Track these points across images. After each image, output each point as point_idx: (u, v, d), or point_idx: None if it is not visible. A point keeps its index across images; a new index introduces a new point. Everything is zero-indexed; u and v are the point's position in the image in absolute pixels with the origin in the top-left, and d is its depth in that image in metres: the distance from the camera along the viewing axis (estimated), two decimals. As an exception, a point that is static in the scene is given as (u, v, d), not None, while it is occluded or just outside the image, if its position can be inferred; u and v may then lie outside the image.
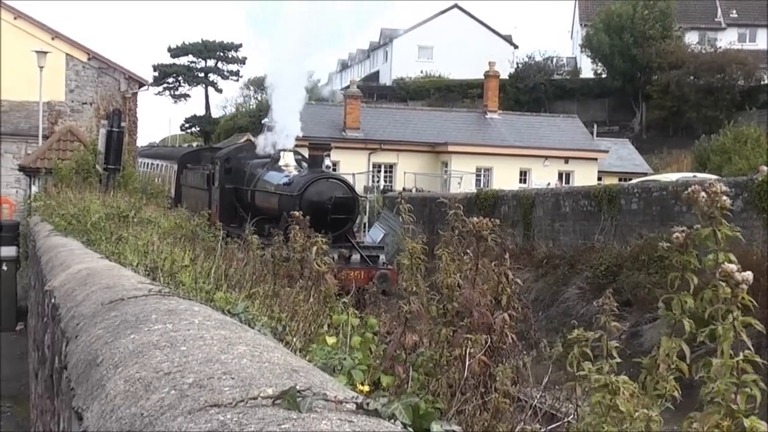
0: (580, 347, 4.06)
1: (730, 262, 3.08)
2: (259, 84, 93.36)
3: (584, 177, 48.98)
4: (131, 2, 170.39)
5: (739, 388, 2.93)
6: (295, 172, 22.35)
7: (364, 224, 35.09)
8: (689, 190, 3.22)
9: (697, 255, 3.34)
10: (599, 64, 73.10)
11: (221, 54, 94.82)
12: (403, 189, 45.13)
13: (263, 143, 25.32)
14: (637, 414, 3.27)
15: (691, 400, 3.42)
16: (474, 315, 5.41)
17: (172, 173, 34.01)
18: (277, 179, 22.36)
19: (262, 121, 27.43)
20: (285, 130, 24.56)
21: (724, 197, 3.18)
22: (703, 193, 3.18)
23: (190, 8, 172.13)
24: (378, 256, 20.73)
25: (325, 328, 5.72)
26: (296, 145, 24.90)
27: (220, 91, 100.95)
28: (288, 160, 23.30)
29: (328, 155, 23.62)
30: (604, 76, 73.55)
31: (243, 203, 24.06)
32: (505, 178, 47.52)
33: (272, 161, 23.64)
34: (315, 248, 7.49)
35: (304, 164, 23.21)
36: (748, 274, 2.99)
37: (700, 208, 3.18)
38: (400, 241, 7.04)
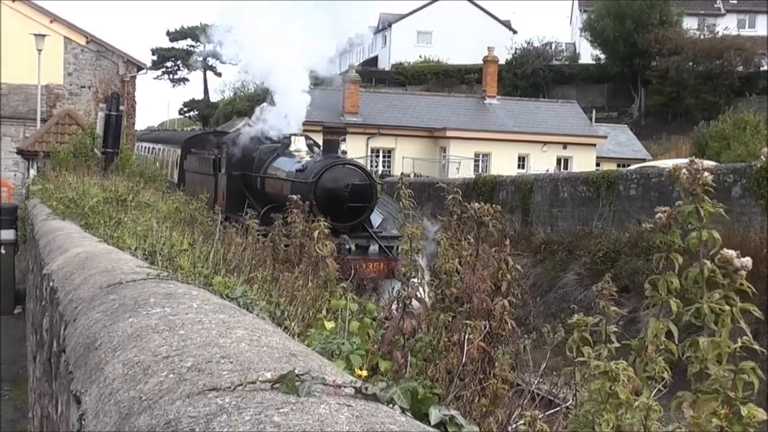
0: (580, 332, 4.06)
1: (714, 238, 3.08)
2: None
3: (583, 163, 49.02)
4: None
5: (737, 375, 2.93)
6: (307, 158, 21.31)
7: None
8: (670, 167, 3.22)
9: (682, 234, 3.34)
10: (600, 49, 73.01)
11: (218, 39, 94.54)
12: (402, 174, 45.09)
13: (264, 127, 24.32)
14: (637, 403, 3.27)
15: (682, 381, 3.43)
16: (473, 301, 5.41)
17: (175, 158, 33.08)
18: (289, 165, 21.32)
19: (262, 105, 26.54)
20: (291, 114, 23.70)
21: (706, 173, 3.17)
22: (684, 170, 3.18)
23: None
24: (398, 247, 19.78)
25: (324, 312, 5.72)
26: (304, 130, 23.96)
27: (219, 75, 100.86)
28: (299, 145, 22.34)
29: (344, 140, 22.69)
30: (603, 61, 73.48)
31: (252, 190, 23.07)
32: (503, 164, 47.53)
33: (283, 146, 22.62)
34: (317, 232, 7.46)
35: (316, 149, 22.34)
36: (747, 260, 2.98)
37: (682, 185, 3.18)
38: (400, 226, 7.02)
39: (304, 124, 24.42)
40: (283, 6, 24.51)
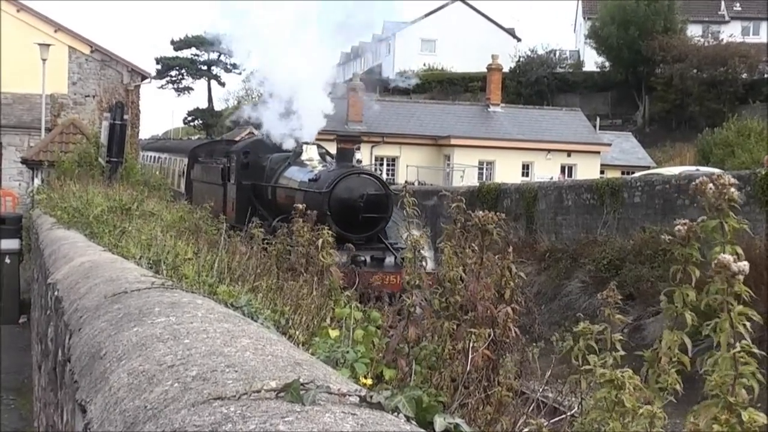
0: (586, 340, 4.06)
1: (737, 255, 3.07)
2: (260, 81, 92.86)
3: (587, 170, 48.99)
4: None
5: (737, 379, 2.92)
6: (320, 167, 20.60)
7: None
8: (697, 181, 3.21)
9: (700, 248, 3.34)
10: (604, 56, 73.05)
11: (224, 46, 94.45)
12: (406, 182, 44.90)
13: (275, 135, 23.54)
14: (641, 410, 3.27)
15: (693, 393, 3.43)
16: (478, 308, 5.42)
17: (182, 167, 32.44)
18: (302, 175, 20.59)
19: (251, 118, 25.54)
20: (306, 121, 22.80)
21: (732, 189, 3.16)
22: (711, 185, 3.17)
23: (194, 1, 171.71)
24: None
25: (328, 321, 5.73)
26: (316, 139, 23.07)
27: (223, 84, 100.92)
28: (311, 153, 21.64)
29: (359, 148, 21.92)
30: (607, 69, 73.52)
31: (262, 201, 22.30)
32: (507, 172, 47.50)
33: (294, 155, 21.88)
34: (321, 241, 7.48)
35: (329, 158, 21.65)
36: (744, 264, 2.98)
37: (708, 199, 3.17)
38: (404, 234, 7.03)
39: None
40: (294, 10, 23.97)
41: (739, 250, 3.09)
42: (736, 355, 2.93)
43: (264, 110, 24.67)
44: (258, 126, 24.77)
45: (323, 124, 23.58)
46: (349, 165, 19.73)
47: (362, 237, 18.24)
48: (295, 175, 21.08)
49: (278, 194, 21.66)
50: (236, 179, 23.23)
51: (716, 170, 30.05)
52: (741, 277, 2.98)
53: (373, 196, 18.62)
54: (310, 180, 19.87)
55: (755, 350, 2.96)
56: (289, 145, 22.73)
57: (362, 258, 16.81)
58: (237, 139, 38.74)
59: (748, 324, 2.99)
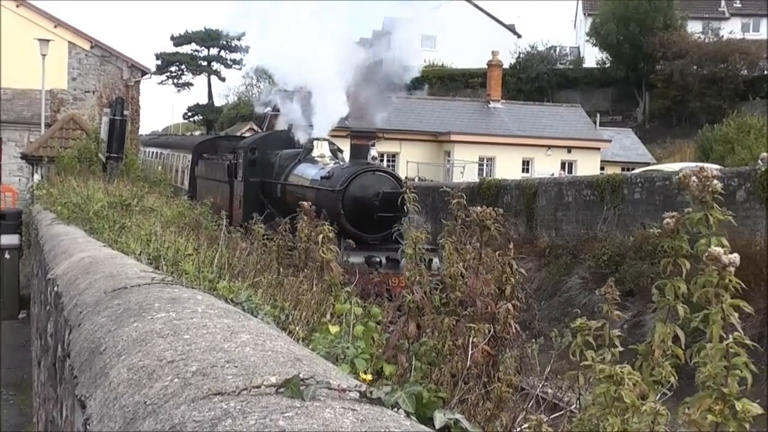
0: (583, 336, 4.06)
1: (723, 246, 3.08)
2: (262, 72, 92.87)
3: (587, 166, 48.95)
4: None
5: (730, 370, 2.93)
6: (331, 164, 20.04)
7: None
8: (680, 174, 3.23)
9: (690, 240, 3.35)
10: (605, 53, 73.05)
11: (224, 42, 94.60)
12: (406, 178, 44.88)
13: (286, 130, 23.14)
14: (644, 407, 3.27)
15: (689, 386, 3.43)
16: (477, 304, 5.42)
17: (186, 164, 32.08)
18: (313, 172, 19.94)
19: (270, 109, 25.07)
20: (322, 116, 22.16)
21: (716, 181, 3.18)
22: (694, 178, 3.19)
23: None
24: (431, 260, 17.08)
25: (328, 317, 5.73)
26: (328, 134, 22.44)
27: (223, 79, 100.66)
28: (323, 150, 21.04)
29: (374, 145, 21.19)
30: (607, 65, 73.50)
31: (271, 199, 21.64)
32: (507, 168, 47.44)
33: (305, 151, 21.26)
34: (321, 236, 7.46)
35: (340, 155, 21.27)
36: (735, 256, 2.98)
37: (692, 192, 3.19)
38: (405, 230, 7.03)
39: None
40: (310, 6, 23.55)
41: (725, 242, 3.10)
42: (728, 346, 2.93)
43: (287, 101, 24.23)
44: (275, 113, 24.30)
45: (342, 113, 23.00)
46: (364, 162, 19.12)
47: (377, 237, 17.76)
48: (306, 172, 20.47)
49: (288, 192, 20.93)
50: (243, 176, 22.68)
51: (716, 166, 30.03)
52: (732, 269, 2.99)
53: (388, 194, 17.62)
54: (322, 177, 19.28)
55: (747, 341, 2.97)
56: (305, 138, 22.14)
57: (377, 259, 16.55)
58: (239, 134, 38.62)
59: (737, 315, 3.00)
